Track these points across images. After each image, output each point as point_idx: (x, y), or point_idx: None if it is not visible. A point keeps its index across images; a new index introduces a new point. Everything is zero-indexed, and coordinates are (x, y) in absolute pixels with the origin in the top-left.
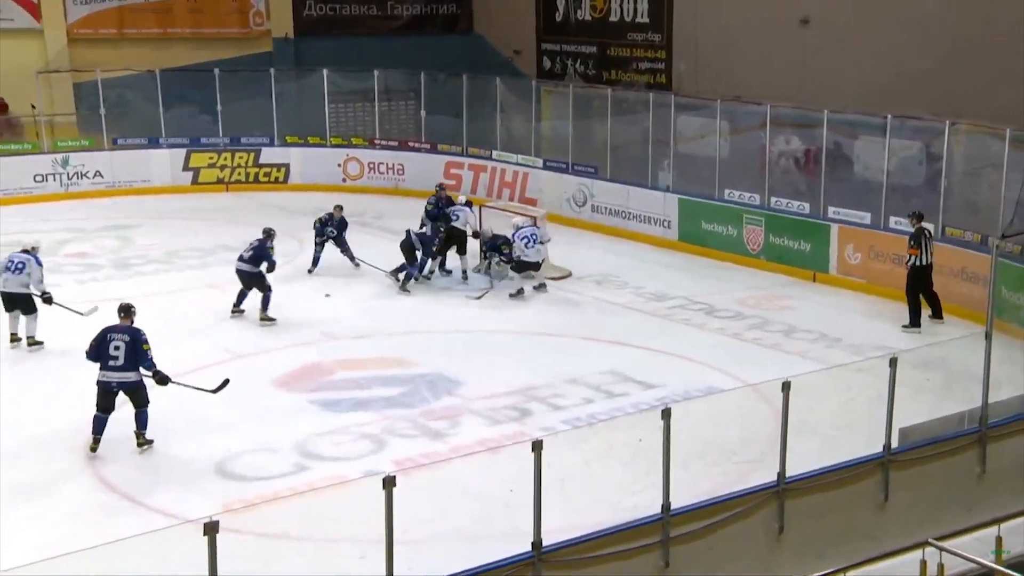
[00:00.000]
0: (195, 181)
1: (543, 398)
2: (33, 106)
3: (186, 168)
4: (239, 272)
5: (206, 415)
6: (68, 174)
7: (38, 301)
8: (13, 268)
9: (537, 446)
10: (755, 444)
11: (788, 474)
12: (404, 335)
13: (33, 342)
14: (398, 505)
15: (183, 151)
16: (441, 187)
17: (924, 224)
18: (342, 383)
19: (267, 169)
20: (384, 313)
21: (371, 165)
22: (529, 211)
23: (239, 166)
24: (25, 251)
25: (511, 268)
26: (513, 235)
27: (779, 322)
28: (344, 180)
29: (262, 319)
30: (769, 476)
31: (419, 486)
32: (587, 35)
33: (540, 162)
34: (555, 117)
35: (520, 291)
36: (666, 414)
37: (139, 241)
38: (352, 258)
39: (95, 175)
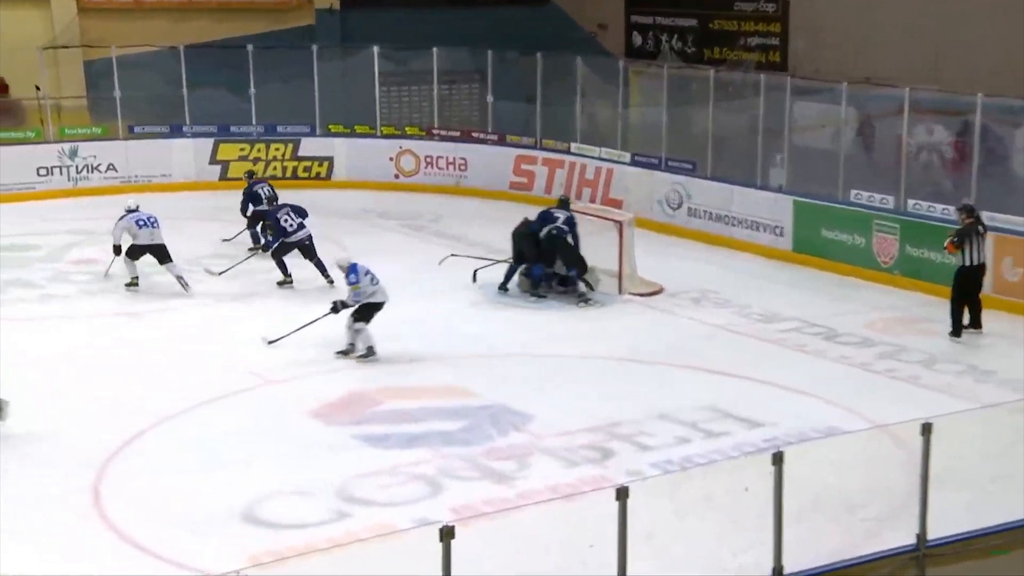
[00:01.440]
0: (224, 176)
1: (628, 436)
2: (37, 87)
3: (213, 161)
4: (309, 240)
5: (230, 451)
6: (77, 167)
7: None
8: (149, 224)
9: (622, 494)
10: (887, 497)
11: (929, 536)
12: (464, 359)
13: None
14: (457, 560)
15: (210, 141)
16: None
17: (974, 218)
18: (390, 415)
19: (307, 163)
20: (439, 332)
21: (428, 159)
22: (613, 214)
23: (275, 159)
24: (131, 210)
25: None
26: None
27: (917, 350)
28: (397, 176)
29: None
30: (906, 538)
31: (481, 538)
32: (686, 6)
33: (627, 156)
34: (646, 103)
35: (348, 350)
36: (777, 459)
37: None
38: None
39: (108, 168)
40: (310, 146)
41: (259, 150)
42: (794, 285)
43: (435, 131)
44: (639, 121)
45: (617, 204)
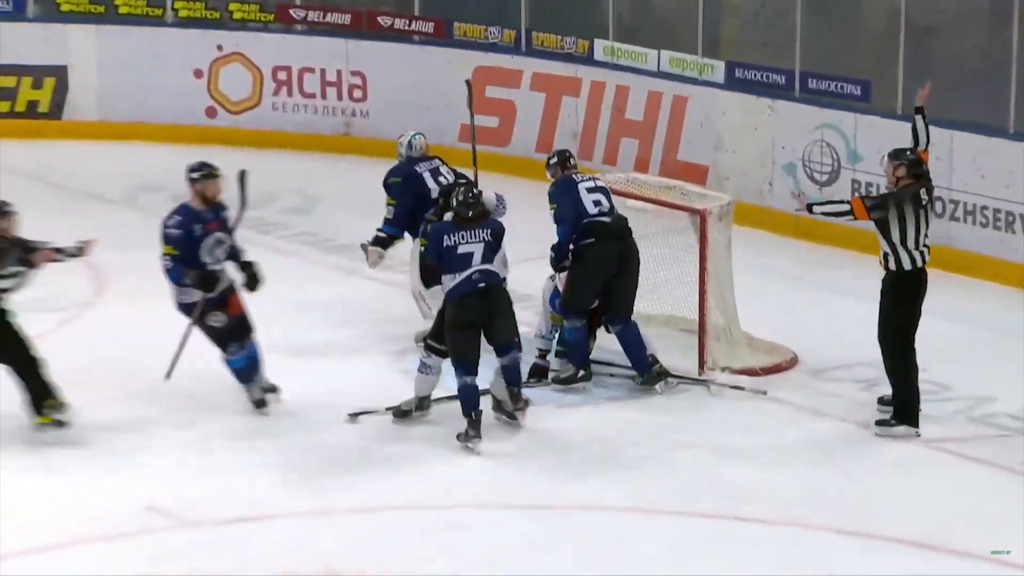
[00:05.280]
0: None
1: None
2: None
3: None
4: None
5: None
6: None
7: None
8: None
9: None
10: None
11: None
12: (383, 513)
13: None
14: None
15: None
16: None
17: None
18: None
19: (8, 81)
20: (338, 447)
21: (281, 75)
22: (688, 198)
23: None
24: None
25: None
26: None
27: None
28: (211, 113)
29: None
30: None
31: None
32: None
33: (719, 70)
34: None
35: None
36: None
37: None
38: None
39: None
40: (12, 43)
41: None
42: None
43: (296, 11)
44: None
45: (697, 176)
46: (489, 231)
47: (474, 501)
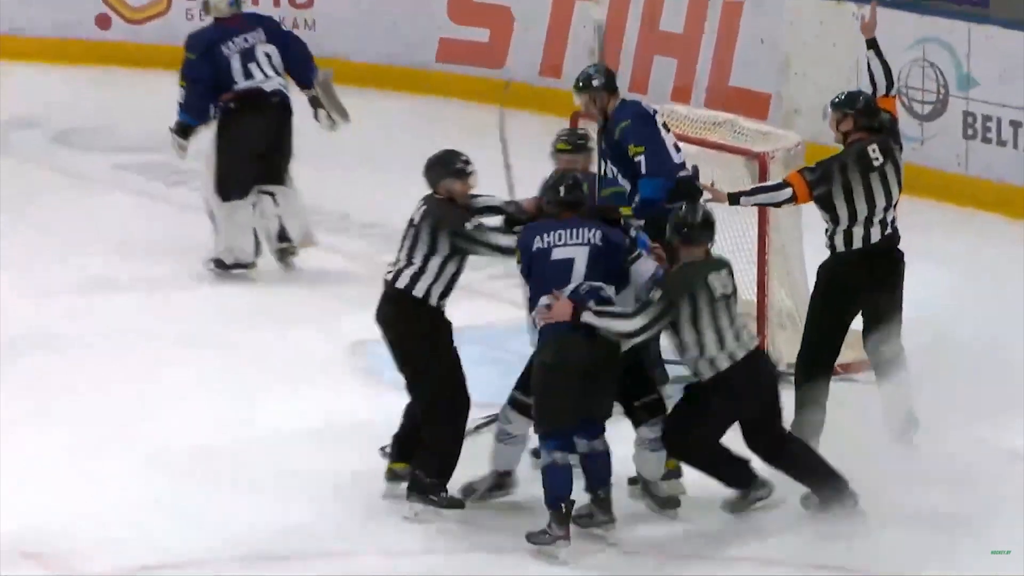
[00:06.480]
0: None
1: None
2: None
3: None
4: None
5: None
6: None
7: None
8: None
9: None
10: None
11: None
12: None
13: None
14: None
15: None
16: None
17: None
18: None
19: None
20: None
21: None
22: (744, 137)
23: None
24: None
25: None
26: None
27: None
28: (101, 23)
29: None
30: None
31: None
32: None
33: None
34: None
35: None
36: None
37: None
38: None
39: None
40: None
41: None
42: None
43: None
44: None
45: (757, 108)
46: (599, 233)
47: (454, 570)
